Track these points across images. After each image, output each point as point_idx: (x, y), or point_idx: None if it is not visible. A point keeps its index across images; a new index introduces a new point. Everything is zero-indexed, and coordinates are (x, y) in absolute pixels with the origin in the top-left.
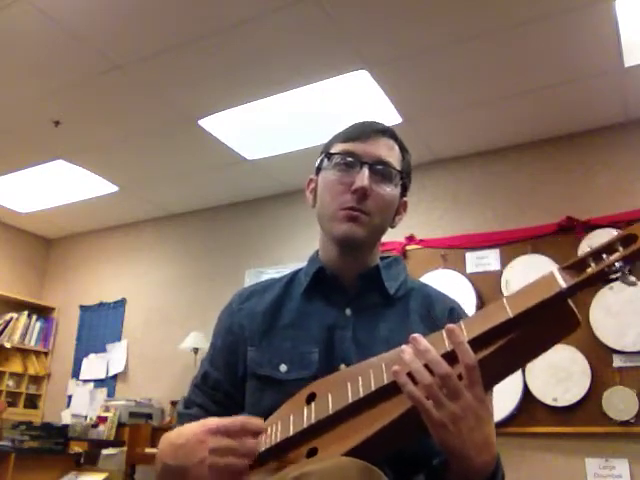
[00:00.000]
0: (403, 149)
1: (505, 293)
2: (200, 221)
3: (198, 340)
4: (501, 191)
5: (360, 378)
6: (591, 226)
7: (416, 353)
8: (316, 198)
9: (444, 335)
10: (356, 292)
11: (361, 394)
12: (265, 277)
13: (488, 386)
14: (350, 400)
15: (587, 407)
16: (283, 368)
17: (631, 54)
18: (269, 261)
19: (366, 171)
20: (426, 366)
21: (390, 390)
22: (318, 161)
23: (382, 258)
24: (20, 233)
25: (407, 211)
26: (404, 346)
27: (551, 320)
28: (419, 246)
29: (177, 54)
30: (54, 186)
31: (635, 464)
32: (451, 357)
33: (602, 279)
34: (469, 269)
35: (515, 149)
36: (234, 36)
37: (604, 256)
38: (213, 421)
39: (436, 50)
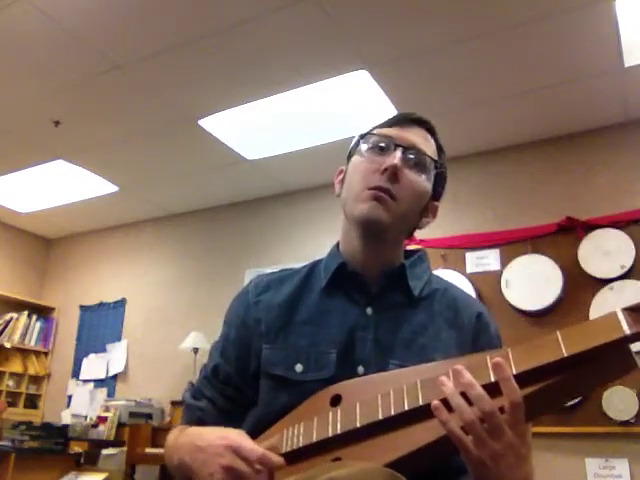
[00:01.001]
0: (440, 147)
1: (505, 293)
2: (200, 221)
3: (198, 340)
4: (501, 191)
5: (392, 393)
6: (591, 226)
7: (457, 385)
8: (343, 187)
9: (488, 363)
10: (378, 290)
11: (392, 412)
12: None
13: (529, 419)
14: (380, 417)
15: (587, 407)
16: (298, 368)
17: (631, 54)
18: (269, 261)
19: (398, 153)
20: (463, 394)
21: (423, 412)
22: (351, 146)
23: (406, 254)
24: (20, 233)
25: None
26: (443, 377)
27: (606, 362)
28: (419, 246)
29: (177, 54)
30: (54, 186)
31: (635, 464)
32: (493, 388)
33: None
34: (469, 269)
35: (515, 149)
36: (234, 36)
37: None
38: (236, 438)
39: (436, 50)
